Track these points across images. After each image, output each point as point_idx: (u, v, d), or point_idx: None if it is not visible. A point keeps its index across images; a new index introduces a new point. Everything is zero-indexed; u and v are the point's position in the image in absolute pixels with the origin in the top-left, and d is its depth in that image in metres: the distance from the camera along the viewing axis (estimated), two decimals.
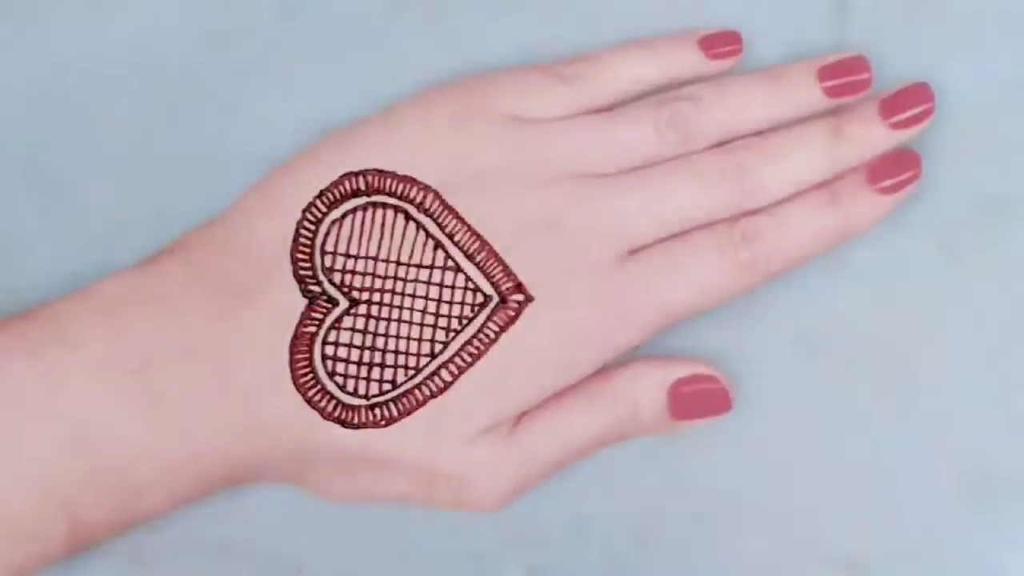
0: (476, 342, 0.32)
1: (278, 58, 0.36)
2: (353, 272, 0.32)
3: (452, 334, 0.32)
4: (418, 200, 0.32)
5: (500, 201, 0.33)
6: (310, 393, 0.31)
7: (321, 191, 0.32)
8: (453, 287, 0.32)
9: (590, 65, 0.36)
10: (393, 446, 0.31)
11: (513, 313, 0.32)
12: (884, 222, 0.35)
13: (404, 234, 0.32)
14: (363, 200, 0.32)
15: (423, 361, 0.31)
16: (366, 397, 0.31)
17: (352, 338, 0.31)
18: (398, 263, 0.32)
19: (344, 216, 0.32)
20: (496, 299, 0.32)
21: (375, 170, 0.33)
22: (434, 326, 0.32)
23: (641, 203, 0.33)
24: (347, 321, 0.31)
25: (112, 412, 0.29)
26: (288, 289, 0.31)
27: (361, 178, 0.32)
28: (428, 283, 0.32)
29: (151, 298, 0.31)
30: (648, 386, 0.33)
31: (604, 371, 0.33)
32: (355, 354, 0.31)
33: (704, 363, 0.34)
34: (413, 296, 0.32)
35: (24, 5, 0.35)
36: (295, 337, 0.31)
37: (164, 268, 0.31)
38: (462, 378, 0.31)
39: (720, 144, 0.35)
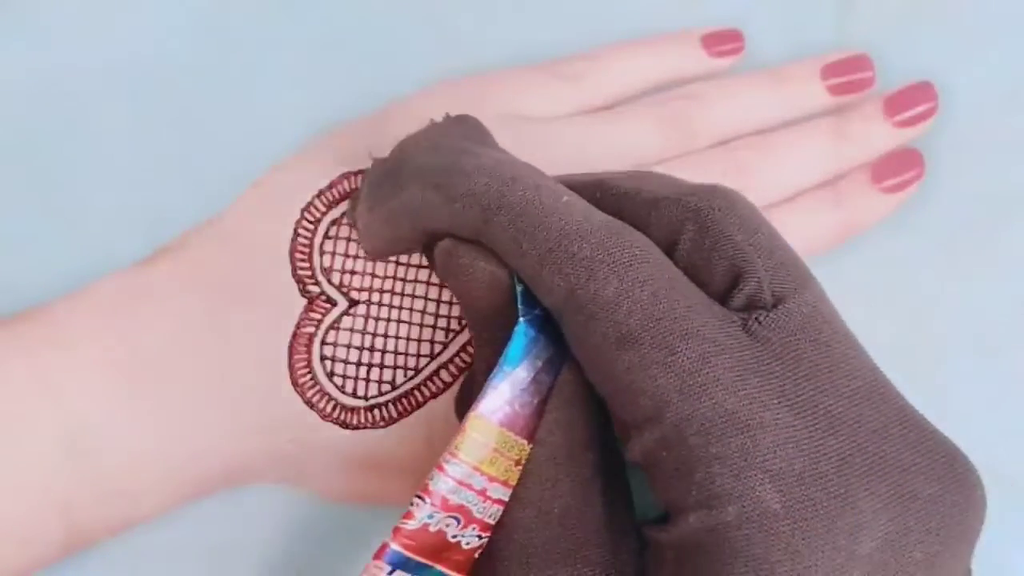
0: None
1: (277, 58, 0.36)
2: (352, 272, 0.32)
3: (451, 335, 0.32)
4: None
5: None
6: (309, 394, 0.31)
7: (320, 190, 0.32)
8: None
9: (591, 64, 0.36)
10: (392, 447, 0.31)
11: None
12: (884, 220, 0.35)
13: None
14: None
15: (422, 362, 0.31)
16: (365, 398, 0.31)
17: (351, 339, 0.31)
18: (397, 263, 0.32)
19: (343, 216, 0.32)
20: None
21: None
22: (433, 327, 0.32)
23: None
24: (346, 322, 0.31)
25: (109, 413, 0.29)
26: (287, 289, 0.31)
27: (360, 177, 0.32)
28: (427, 283, 0.32)
29: (149, 298, 0.31)
30: None
31: None
32: (354, 355, 0.31)
33: None
34: (412, 296, 0.32)
35: (24, 5, 0.35)
36: (294, 337, 0.31)
37: (163, 268, 0.31)
38: (461, 379, 0.31)
39: (722, 143, 0.35)
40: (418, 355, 0.31)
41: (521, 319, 0.24)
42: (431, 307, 0.32)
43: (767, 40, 0.37)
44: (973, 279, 0.35)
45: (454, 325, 0.32)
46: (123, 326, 0.30)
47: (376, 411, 0.31)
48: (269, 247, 0.32)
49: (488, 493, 0.24)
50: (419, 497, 0.23)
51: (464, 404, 0.30)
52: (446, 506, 0.23)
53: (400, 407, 0.31)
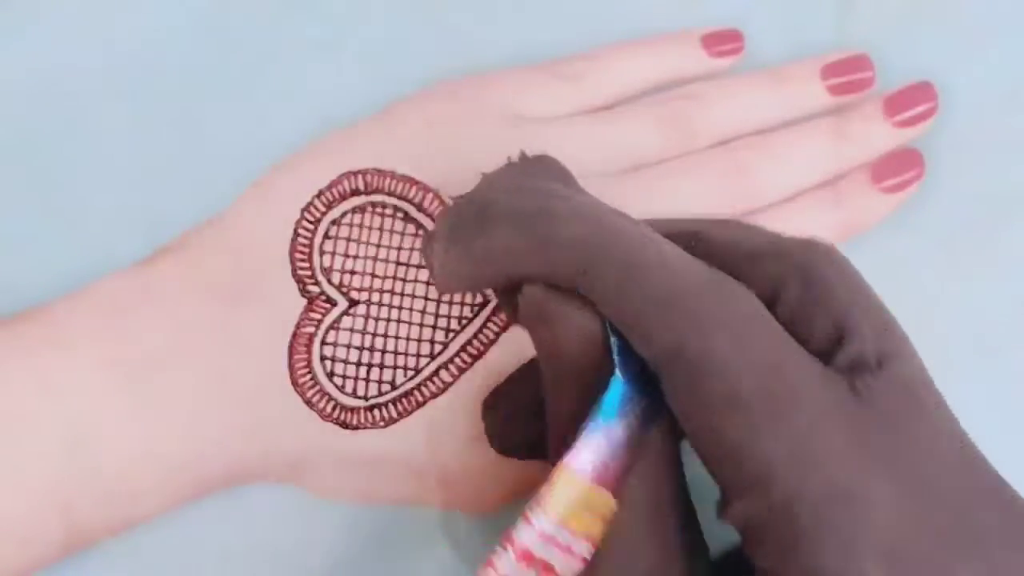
0: (476, 343, 0.32)
1: (277, 58, 0.36)
2: (352, 272, 0.32)
3: (451, 335, 0.32)
4: (417, 200, 0.32)
5: None
6: (309, 394, 0.31)
7: (320, 191, 0.32)
8: None
9: (591, 64, 0.35)
10: (392, 447, 0.31)
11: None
12: (885, 221, 0.35)
13: (403, 234, 0.32)
14: (362, 200, 0.32)
15: (422, 362, 0.31)
16: (365, 398, 0.31)
17: (351, 339, 0.31)
18: (397, 263, 0.32)
19: (343, 216, 0.32)
20: (495, 299, 0.32)
21: (374, 169, 0.32)
22: (433, 327, 0.32)
23: (641, 203, 0.33)
24: (346, 321, 0.31)
25: (110, 413, 0.29)
26: (287, 289, 0.31)
27: (360, 178, 0.32)
28: (428, 283, 0.32)
29: (149, 298, 0.31)
30: None
31: None
32: (354, 355, 0.31)
33: None
34: (412, 296, 0.32)
35: (25, 4, 0.35)
36: (294, 337, 0.31)
37: (162, 268, 0.31)
38: (462, 379, 0.31)
39: (722, 143, 0.35)
40: (418, 355, 0.31)
41: (617, 371, 0.23)
42: (431, 307, 0.32)
43: (767, 40, 0.37)
44: (973, 279, 0.35)
45: (454, 325, 0.32)
46: (123, 326, 0.30)
47: (376, 411, 0.31)
48: (269, 247, 0.32)
49: (572, 549, 0.23)
50: (502, 546, 0.23)
51: (494, 415, 0.30)
52: (528, 558, 0.23)
53: (400, 407, 0.31)
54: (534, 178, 0.27)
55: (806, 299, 0.23)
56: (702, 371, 0.22)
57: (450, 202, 0.32)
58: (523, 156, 0.28)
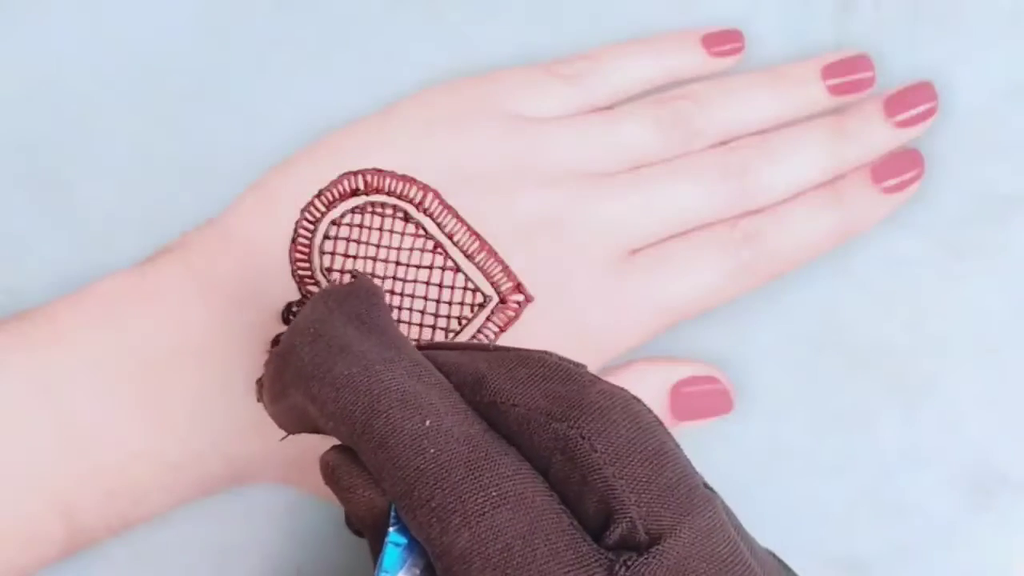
0: (476, 342, 0.32)
1: (277, 58, 0.36)
2: (352, 272, 0.32)
3: (451, 334, 0.32)
4: (417, 200, 0.32)
5: (500, 201, 0.33)
6: None
7: (320, 191, 0.32)
8: (452, 287, 0.32)
9: (591, 64, 0.35)
10: None
11: (513, 313, 0.32)
12: (885, 221, 0.35)
13: (403, 234, 0.32)
14: (362, 200, 0.32)
15: None
16: None
17: None
18: (397, 263, 0.32)
19: (343, 216, 0.32)
20: (496, 299, 0.32)
21: (374, 169, 0.32)
22: (433, 327, 0.32)
23: (642, 203, 0.33)
24: None
25: (111, 413, 0.29)
26: (287, 289, 0.31)
27: (360, 177, 0.32)
28: (427, 283, 0.32)
29: (149, 298, 0.31)
30: (649, 386, 0.33)
31: (605, 371, 0.33)
32: None
33: (705, 364, 0.34)
34: (412, 296, 0.32)
35: (23, 4, 0.35)
36: None
37: (163, 268, 0.31)
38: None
39: (722, 143, 0.35)
40: None
41: (391, 528, 0.22)
42: (431, 307, 0.32)
43: (767, 40, 0.37)
44: (973, 279, 0.35)
45: (454, 325, 0.32)
46: (123, 326, 0.30)
47: None
48: (269, 247, 0.32)
49: None
50: None
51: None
52: None
53: None
54: (335, 321, 0.24)
55: (571, 476, 0.22)
56: (448, 566, 0.21)
57: (449, 203, 0.32)
58: (334, 286, 0.26)
